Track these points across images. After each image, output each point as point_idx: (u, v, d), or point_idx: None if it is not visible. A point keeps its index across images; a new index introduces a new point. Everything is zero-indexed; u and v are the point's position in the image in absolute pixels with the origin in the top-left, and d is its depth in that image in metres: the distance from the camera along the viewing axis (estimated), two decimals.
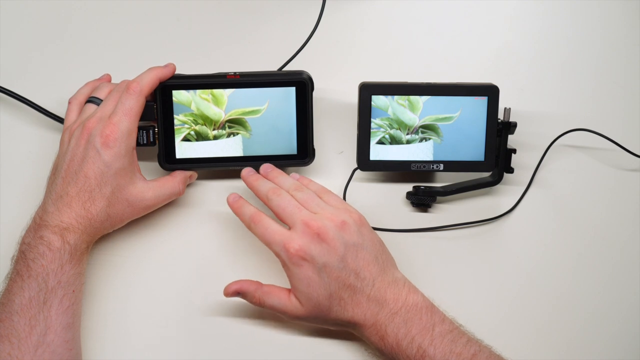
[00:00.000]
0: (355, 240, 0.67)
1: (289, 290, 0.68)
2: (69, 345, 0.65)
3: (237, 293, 0.69)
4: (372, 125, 0.76)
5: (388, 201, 0.79)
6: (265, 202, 0.70)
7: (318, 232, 0.66)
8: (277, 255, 0.67)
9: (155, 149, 0.75)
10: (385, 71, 0.80)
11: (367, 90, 0.75)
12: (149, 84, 0.71)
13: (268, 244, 0.67)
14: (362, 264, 0.67)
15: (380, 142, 0.76)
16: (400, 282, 0.68)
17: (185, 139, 0.74)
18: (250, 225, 0.69)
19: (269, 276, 0.74)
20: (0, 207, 0.76)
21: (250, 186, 0.72)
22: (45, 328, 0.63)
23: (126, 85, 0.70)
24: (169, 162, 0.75)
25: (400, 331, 0.65)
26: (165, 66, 0.73)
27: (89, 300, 0.72)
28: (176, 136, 0.74)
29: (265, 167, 0.74)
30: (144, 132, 0.73)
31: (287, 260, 0.66)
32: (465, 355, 0.63)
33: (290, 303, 0.68)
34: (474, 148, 0.77)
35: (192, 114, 0.74)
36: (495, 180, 0.78)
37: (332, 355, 0.72)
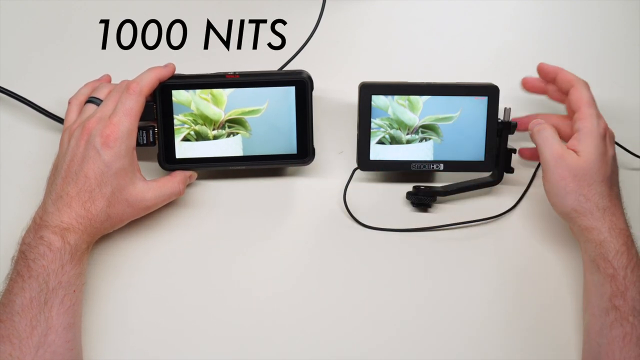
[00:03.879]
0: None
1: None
2: (70, 346, 0.65)
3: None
4: (372, 125, 0.76)
5: (388, 201, 0.79)
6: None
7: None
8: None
9: (155, 149, 0.75)
10: (385, 71, 0.80)
11: (367, 90, 0.75)
12: (148, 84, 0.71)
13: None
14: (615, 179, 0.72)
15: (380, 142, 0.76)
16: None
17: (185, 139, 0.74)
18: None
19: (269, 276, 0.74)
20: (0, 207, 0.76)
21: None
22: (46, 328, 0.63)
23: (126, 86, 0.70)
24: (169, 162, 0.75)
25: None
26: (165, 66, 0.73)
27: (90, 300, 0.72)
28: (176, 136, 0.74)
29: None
30: (144, 132, 0.73)
31: (595, 128, 0.70)
32: None
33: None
34: (474, 148, 0.77)
35: (192, 114, 0.74)
36: (495, 180, 0.78)
37: None
